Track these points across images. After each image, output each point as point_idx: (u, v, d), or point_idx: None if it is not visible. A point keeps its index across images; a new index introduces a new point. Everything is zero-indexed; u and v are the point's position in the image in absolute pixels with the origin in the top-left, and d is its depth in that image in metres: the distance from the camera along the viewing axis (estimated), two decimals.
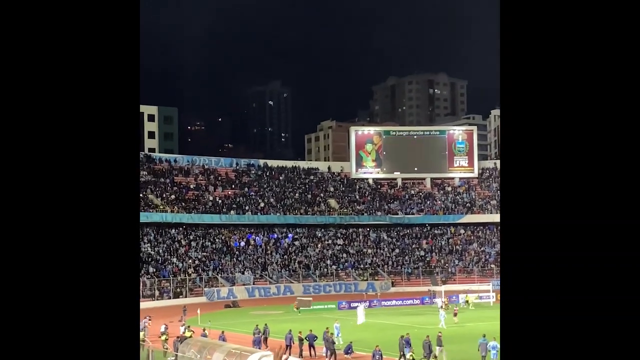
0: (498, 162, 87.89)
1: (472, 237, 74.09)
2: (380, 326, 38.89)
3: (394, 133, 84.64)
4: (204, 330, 32.73)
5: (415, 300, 52.84)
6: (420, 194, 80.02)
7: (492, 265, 67.69)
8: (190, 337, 31.10)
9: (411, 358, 24.91)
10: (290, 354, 27.94)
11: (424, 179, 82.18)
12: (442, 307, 44.32)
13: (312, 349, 29.27)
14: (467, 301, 49.97)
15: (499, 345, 25.92)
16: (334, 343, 28.83)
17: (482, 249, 72.09)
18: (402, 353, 27.31)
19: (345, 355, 28.12)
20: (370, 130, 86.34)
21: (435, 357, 23.71)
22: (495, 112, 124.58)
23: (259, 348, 29.31)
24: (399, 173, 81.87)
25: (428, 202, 78.00)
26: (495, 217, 74.60)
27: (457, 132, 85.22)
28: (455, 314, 39.14)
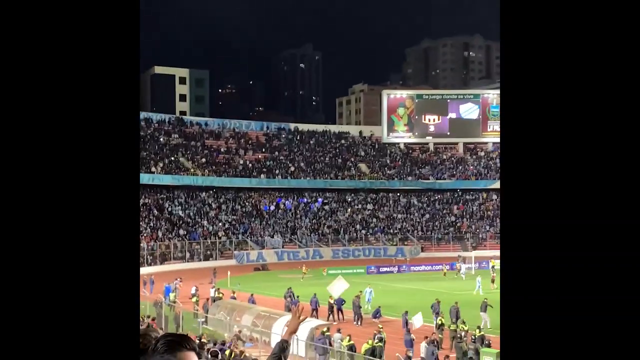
0: None
1: None
2: (409, 291, 38.81)
3: (427, 97, 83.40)
4: (233, 292, 33.02)
5: (445, 266, 52.57)
6: (453, 158, 79.09)
7: None
8: (221, 299, 31.45)
9: (440, 322, 24.77)
10: (317, 317, 28.07)
11: (456, 143, 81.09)
12: (459, 271, 44.52)
13: (340, 312, 29.33)
14: (493, 266, 49.24)
15: None
16: (360, 307, 28.84)
17: None
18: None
19: (373, 320, 28.11)
20: (402, 93, 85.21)
21: (464, 322, 23.49)
22: None
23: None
24: (431, 137, 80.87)
25: (460, 167, 77.10)
26: None
27: (492, 95, 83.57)
28: (492, 280, 38.71)
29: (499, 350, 17.71)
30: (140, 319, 10.12)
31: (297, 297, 31.42)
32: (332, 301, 29.45)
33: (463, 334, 22.12)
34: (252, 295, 32.44)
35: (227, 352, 17.30)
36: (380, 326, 22.56)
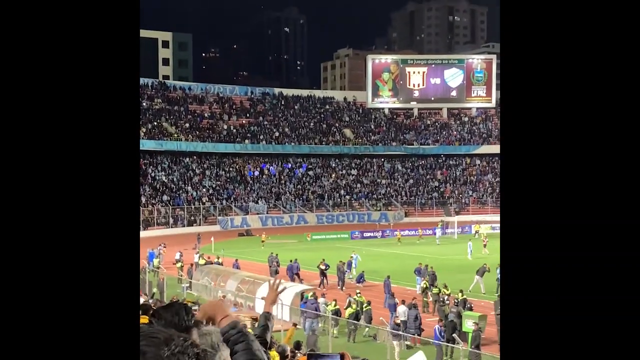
0: None
1: (487, 168, 73.67)
2: (393, 256, 39.15)
3: (412, 61, 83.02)
4: (218, 258, 33.10)
5: (427, 231, 53.05)
6: (437, 124, 79.17)
7: None
8: (211, 263, 31.51)
9: (425, 286, 25.05)
10: (298, 282, 28.30)
11: (440, 109, 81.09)
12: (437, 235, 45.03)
13: (324, 278, 29.55)
14: (477, 231, 49.81)
15: None
16: (344, 273, 29.06)
17: (496, 179, 71.74)
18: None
19: (357, 284, 28.37)
20: (387, 58, 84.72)
21: (446, 286, 23.78)
22: None
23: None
24: (415, 103, 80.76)
25: (444, 133, 77.26)
26: None
27: (476, 60, 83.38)
28: (484, 245, 39.06)
29: (480, 314, 17.93)
30: None
31: (278, 262, 31.60)
32: (322, 267, 29.58)
33: (445, 297, 22.41)
34: (236, 260, 32.55)
35: None
36: (358, 292, 22.70)
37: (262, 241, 43.11)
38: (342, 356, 2.85)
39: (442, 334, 18.01)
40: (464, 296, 21.96)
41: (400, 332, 19.25)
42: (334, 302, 21.31)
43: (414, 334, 19.46)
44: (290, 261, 30.45)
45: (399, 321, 19.23)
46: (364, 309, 20.78)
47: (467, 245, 37.86)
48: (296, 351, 12.71)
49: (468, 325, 17.98)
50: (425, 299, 24.22)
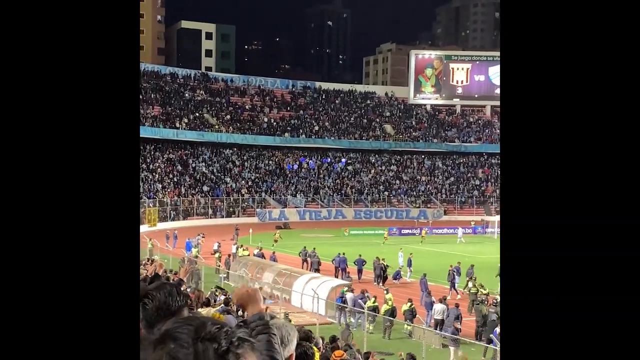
0: None
1: None
2: (431, 254, 38.74)
3: (456, 57, 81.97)
4: (260, 249, 33.20)
5: (467, 229, 52.38)
6: (479, 121, 78.06)
7: None
8: (262, 255, 31.64)
9: (466, 284, 24.65)
10: (339, 277, 28.21)
11: (484, 106, 79.90)
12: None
13: (359, 273, 29.43)
14: None
15: None
16: (382, 269, 28.75)
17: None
18: (451, 282, 27.17)
19: (394, 281, 28.19)
20: (431, 54, 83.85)
21: (482, 286, 23.40)
22: None
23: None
24: (458, 100, 79.75)
25: (487, 131, 76.12)
26: None
27: None
28: None
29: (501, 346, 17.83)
30: (164, 273, 10.23)
31: (316, 255, 31.57)
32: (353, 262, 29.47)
33: (484, 297, 22.05)
34: (273, 253, 32.66)
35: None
36: (386, 290, 22.38)
37: (275, 241, 39.57)
38: (367, 356, 2.83)
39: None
40: None
41: (438, 332, 19.01)
42: (374, 298, 21.15)
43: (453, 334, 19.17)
44: (360, 255, 30.48)
45: (458, 326, 18.57)
46: (410, 307, 20.50)
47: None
48: (330, 345, 12.61)
49: None
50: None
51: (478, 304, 20.60)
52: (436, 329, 19.26)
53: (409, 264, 30.21)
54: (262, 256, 31.92)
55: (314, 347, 7.31)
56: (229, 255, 32.18)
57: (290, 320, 17.65)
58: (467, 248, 40.81)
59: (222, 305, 13.50)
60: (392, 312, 20.32)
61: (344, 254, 30.36)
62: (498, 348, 15.97)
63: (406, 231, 49.92)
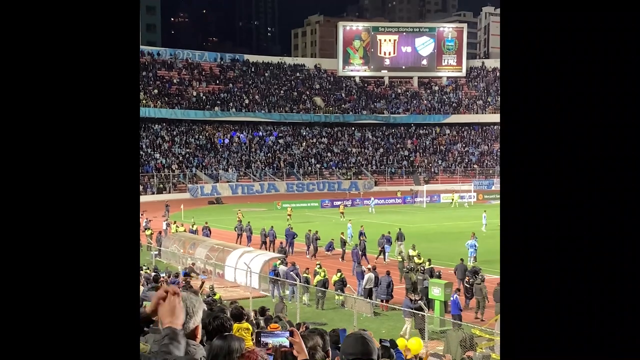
0: (486, 61, 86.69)
1: (456, 138, 74.26)
2: (365, 224, 39.41)
3: (383, 29, 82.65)
4: (192, 226, 33.01)
5: (397, 200, 53.54)
6: (407, 93, 79.30)
7: (475, 166, 68.31)
8: (194, 231, 31.47)
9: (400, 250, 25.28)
10: (268, 249, 28.44)
11: (411, 77, 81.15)
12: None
13: (291, 246, 29.71)
14: (452, 200, 50.71)
15: (477, 244, 26.40)
16: (315, 240, 29.12)
17: (465, 149, 72.45)
18: (381, 249, 27.91)
19: (326, 252, 28.63)
20: (358, 26, 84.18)
21: (418, 255, 24.12)
22: (487, 10, 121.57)
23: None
24: (386, 71, 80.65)
25: (414, 102, 77.47)
26: (481, 117, 74.56)
27: (447, 29, 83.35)
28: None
29: (446, 282, 18.16)
30: None
31: (250, 229, 31.71)
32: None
33: (413, 265, 22.70)
34: (206, 223, 32.57)
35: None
36: (318, 263, 22.70)
37: (289, 215, 38.48)
38: (292, 333, 2.85)
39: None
40: (431, 264, 22.29)
41: (369, 301, 19.54)
42: (304, 271, 21.44)
43: (382, 301, 19.74)
44: (272, 227, 30.60)
45: (412, 297, 18.58)
46: (340, 277, 20.86)
47: (482, 217, 35.61)
48: (260, 317, 12.79)
49: (434, 292, 18.29)
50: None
51: (407, 272, 21.22)
52: (367, 298, 19.77)
53: (361, 234, 28.93)
54: (196, 232, 31.77)
55: (245, 323, 7.45)
56: (160, 232, 31.85)
57: (215, 294, 17.76)
58: (397, 217, 41.77)
59: (152, 283, 13.45)
60: (324, 283, 20.70)
61: (272, 227, 30.60)
62: (427, 314, 16.60)
63: (338, 203, 50.51)
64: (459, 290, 18.73)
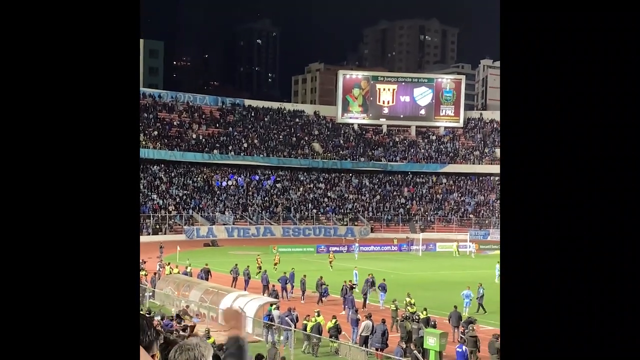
0: (484, 112, 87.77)
1: (453, 187, 74.60)
2: (359, 271, 39.24)
3: (382, 78, 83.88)
4: (187, 268, 32.89)
5: (392, 247, 53.46)
6: (405, 141, 79.98)
7: (471, 216, 68.44)
8: (190, 274, 31.29)
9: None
10: (265, 294, 28.27)
11: (409, 126, 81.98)
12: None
13: (284, 291, 29.59)
14: (454, 250, 50.65)
15: (472, 294, 26.30)
16: (322, 285, 28.79)
17: (462, 198, 72.71)
18: (364, 294, 27.69)
19: (322, 299, 28.48)
20: (358, 74, 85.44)
21: (411, 304, 23.98)
22: (485, 62, 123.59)
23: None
24: (384, 119, 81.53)
25: (412, 150, 78.08)
26: (477, 168, 75.06)
27: (445, 80, 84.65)
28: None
29: (441, 332, 18.04)
30: None
31: (245, 272, 31.59)
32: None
33: (409, 314, 22.58)
34: (206, 265, 32.47)
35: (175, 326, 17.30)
36: (317, 311, 22.36)
37: (275, 264, 37.14)
38: None
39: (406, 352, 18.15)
40: (427, 314, 22.18)
41: (364, 349, 19.40)
42: (304, 317, 21.29)
43: (377, 349, 19.57)
44: (285, 273, 30.44)
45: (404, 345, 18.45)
46: (334, 324, 20.70)
47: (495, 268, 33.34)
48: None
49: (430, 342, 18.19)
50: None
51: (403, 321, 21.13)
52: (362, 346, 19.61)
53: (373, 285, 28.74)
54: (190, 274, 31.63)
55: None
56: (155, 273, 31.71)
57: (210, 337, 17.63)
58: (392, 265, 41.66)
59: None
60: (318, 329, 20.56)
61: (266, 271, 30.51)
62: None
63: (334, 248, 50.42)
64: (464, 340, 18.53)
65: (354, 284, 28.74)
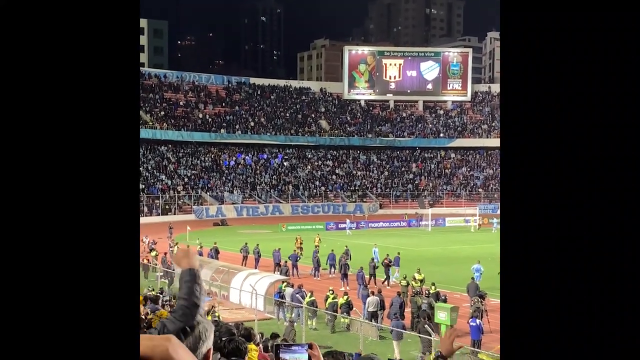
0: (491, 85, 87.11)
1: (461, 162, 74.37)
2: (367, 247, 39.37)
3: (388, 53, 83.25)
4: (200, 247, 33.04)
5: (402, 223, 53.51)
6: (412, 116, 79.61)
7: (480, 190, 68.30)
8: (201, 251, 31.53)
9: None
10: (278, 272, 28.40)
11: (416, 101, 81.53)
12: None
13: (295, 268, 29.72)
14: (478, 224, 50.64)
15: (482, 268, 26.32)
16: (346, 263, 28.63)
17: (470, 173, 72.51)
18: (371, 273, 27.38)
19: (329, 275, 28.59)
20: (364, 50, 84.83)
21: (419, 279, 24.05)
22: (492, 35, 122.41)
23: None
24: (391, 95, 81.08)
25: (419, 125, 77.74)
26: (486, 142, 74.69)
27: (452, 54, 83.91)
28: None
29: (452, 306, 18.07)
30: None
31: (255, 250, 31.72)
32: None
33: (419, 289, 22.65)
34: (215, 244, 32.63)
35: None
36: (331, 288, 22.40)
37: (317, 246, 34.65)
38: (310, 346, 2.91)
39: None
40: (437, 289, 22.23)
41: (374, 324, 19.48)
42: (310, 294, 21.32)
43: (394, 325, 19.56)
44: (278, 249, 30.60)
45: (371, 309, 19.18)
46: (345, 301, 20.79)
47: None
48: (271, 341, 12.78)
49: (440, 316, 18.24)
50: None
51: (414, 296, 21.18)
52: (371, 321, 19.69)
53: (397, 262, 28.75)
54: (202, 254, 31.81)
55: (252, 344, 7.49)
56: (165, 254, 31.89)
57: (216, 313, 17.74)
58: (402, 240, 41.72)
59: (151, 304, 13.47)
60: (333, 306, 20.64)
61: (279, 249, 30.64)
62: (433, 338, 16.55)
63: (343, 225, 50.54)
64: (479, 312, 18.47)
65: (390, 261, 28.26)
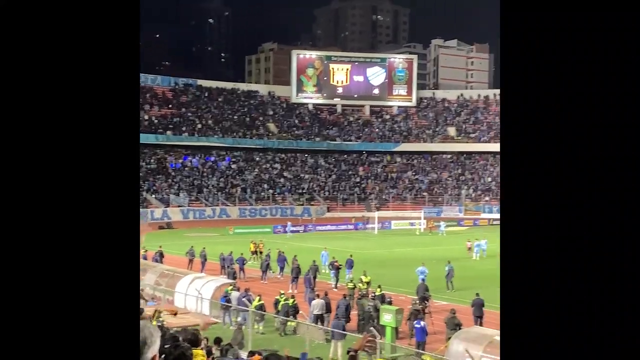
0: (436, 91, 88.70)
1: (406, 166, 75.43)
2: (314, 250, 39.52)
3: (336, 58, 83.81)
4: (143, 250, 32.47)
5: (349, 226, 53.92)
6: (359, 121, 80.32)
7: (425, 194, 69.42)
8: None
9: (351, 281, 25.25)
10: (224, 275, 28.23)
11: (363, 106, 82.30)
12: None
13: (242, 271, 29.60)
14: (430, 228, 51.48)
15: (427, 271, 26.75)
16: (268, 265, 28.92)
17: (415, 177, 73.62)
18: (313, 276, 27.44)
19: (279, 277, 28.58)
20: (312, 54, 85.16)
21: (364, 281, 24.29)
22: (436, 42, 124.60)
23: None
24: (338, 99, 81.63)
25: (366, 130, 78.50)
26: (430, 146, 76.00)
27: (398, 60, 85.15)
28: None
29: (397, 308, 18.27)
30: None
31: (201, 254, 31.43)
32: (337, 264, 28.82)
33: (365, 291, 22.87)
34: (160, 247, 32.16)
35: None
36: (282, 292, 22.41)
37: (254, 252, 35.17)
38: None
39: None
40: (382, 291, 22.49)
41: (320, 327, 19.59)
42: (258, 297, 21.26)
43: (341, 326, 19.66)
44: (241, 254, 30.51)
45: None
46: (291, 304, 20.82)
47: (474, 245, 36.02)
48: (214, 346, 12.72)
49: (386, 319, 18.47)
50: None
51: (360, 298, 21.38)
52: (317, 324, 19.77)
53: (350, 264, 28.87)
54: (145, 257, 31.28)
55: (199, 350, 7.48)
56: None
57: (160, 318, 17.53)
58: (349, 243, 42.05)
59: None
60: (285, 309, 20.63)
61: (231, 252, 30.48)
62: (379, 340, 16.75)
63: (291, 228, 50.57)
64: (420, 314, 18.64)
65: (339, 265, 28.28)
